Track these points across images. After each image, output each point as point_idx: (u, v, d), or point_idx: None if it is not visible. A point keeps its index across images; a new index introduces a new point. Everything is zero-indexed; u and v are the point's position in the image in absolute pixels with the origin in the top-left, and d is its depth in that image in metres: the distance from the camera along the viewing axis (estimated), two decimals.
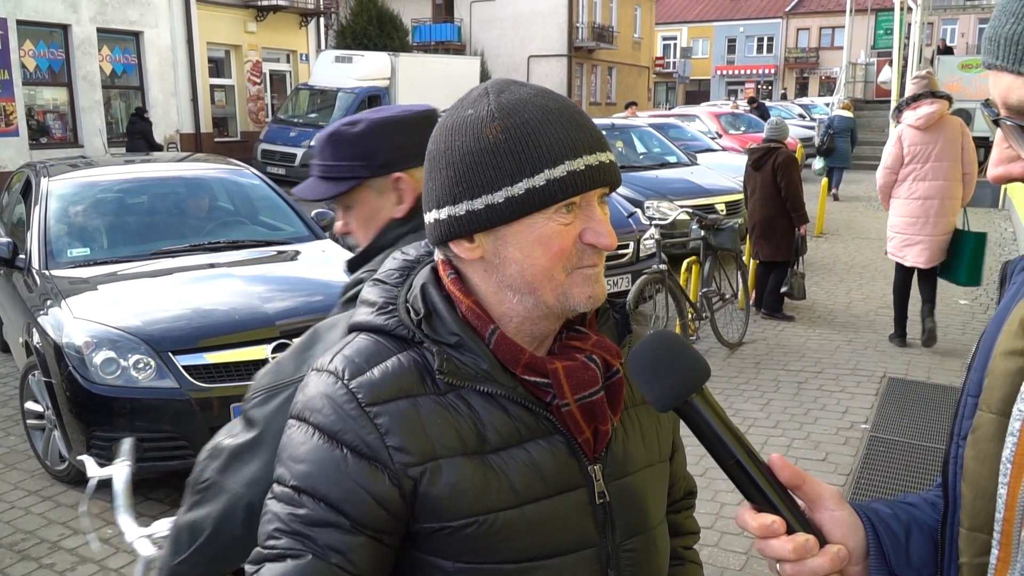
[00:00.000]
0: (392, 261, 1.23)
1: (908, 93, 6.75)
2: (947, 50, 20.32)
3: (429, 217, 1.13)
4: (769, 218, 7.66)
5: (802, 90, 55.76)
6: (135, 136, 17.55)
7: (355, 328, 1.17)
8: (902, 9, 16.67)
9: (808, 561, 0.95)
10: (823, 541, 0.97)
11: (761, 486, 0.98)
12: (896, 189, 6.69)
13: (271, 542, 1.05)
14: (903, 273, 6.96)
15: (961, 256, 6.57)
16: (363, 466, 1.04)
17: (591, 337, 1.17)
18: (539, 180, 1.04)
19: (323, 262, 5.60)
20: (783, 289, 7.87)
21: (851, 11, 24.42)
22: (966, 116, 20.70)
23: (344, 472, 1.04)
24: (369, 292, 1.19)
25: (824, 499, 1.01)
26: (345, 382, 1.07)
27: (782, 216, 7.58)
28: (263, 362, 4.44)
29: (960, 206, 6.63)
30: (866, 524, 1.01)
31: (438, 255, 1.18)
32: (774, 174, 7.56)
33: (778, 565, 0.97)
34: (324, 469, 1.05)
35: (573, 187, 1.05)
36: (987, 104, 0.94)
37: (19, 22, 16.97)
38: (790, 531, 0.96)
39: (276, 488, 1.08)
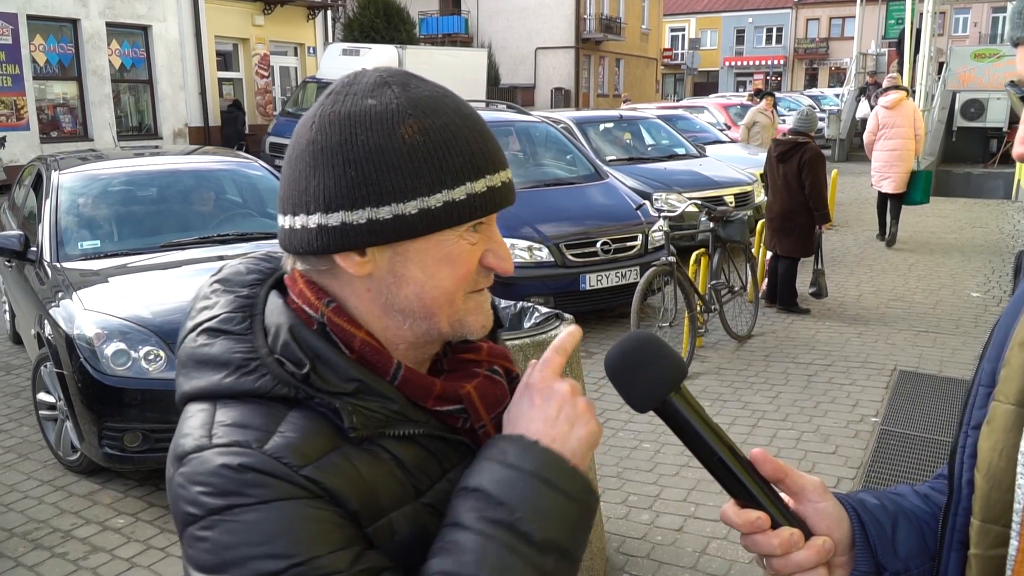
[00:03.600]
0: (223, 299, 1.02)
1: (884, 86, 11.44)
2: (917, 33, 20.45)
3: (308, 221, 0.94)
4: (789, 213, 7.56)
5: (812, 81, 55.51)
6: (229, 125, 19.52)
7: (209, 396, 0.94)
8: None
9: (794, 555, 0.95)
10: (808, 534, 0.97)
11: (744, 482, 0.98)
12: (875, 144, 10.78)
13: None
14: (881, 198, 11.11)
15: (916, 186, 10.78)
16: (322, 503, 0.88)
17: (482, 347, 1.07)
18: (459, 194, 0.93)
19: None
20: (811, 290, 7.90)
21: (862, 1, 24.29)
22: (979, 107, 20.63)
23: (315, 513, 0.87)
24: (210, 349, 0.97)
25: (807, 491, 1.00)
26: (257, 449, 0.88)
27: (803, 212, 7.49)
28: None
29: (914, 156, 10.79)
30: (851, 515, 1.01)
31: (290, 267, 1.01)
32: (799, 170, 7.42)
33: (764, 560, 0.98)
34: (299, 526, 0.86)
35: (492, 204, 0.96)
36: (1013, 84, 0.94)
37: (29, 17, 17.05)
38: (775, 525, 0.96)
39: None
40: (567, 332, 0.99)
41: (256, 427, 0.89)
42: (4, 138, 14.41)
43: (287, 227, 0.97)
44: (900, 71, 17.59)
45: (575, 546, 0.91)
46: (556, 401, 0.93)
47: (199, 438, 0.90)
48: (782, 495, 1.00)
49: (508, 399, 1.01)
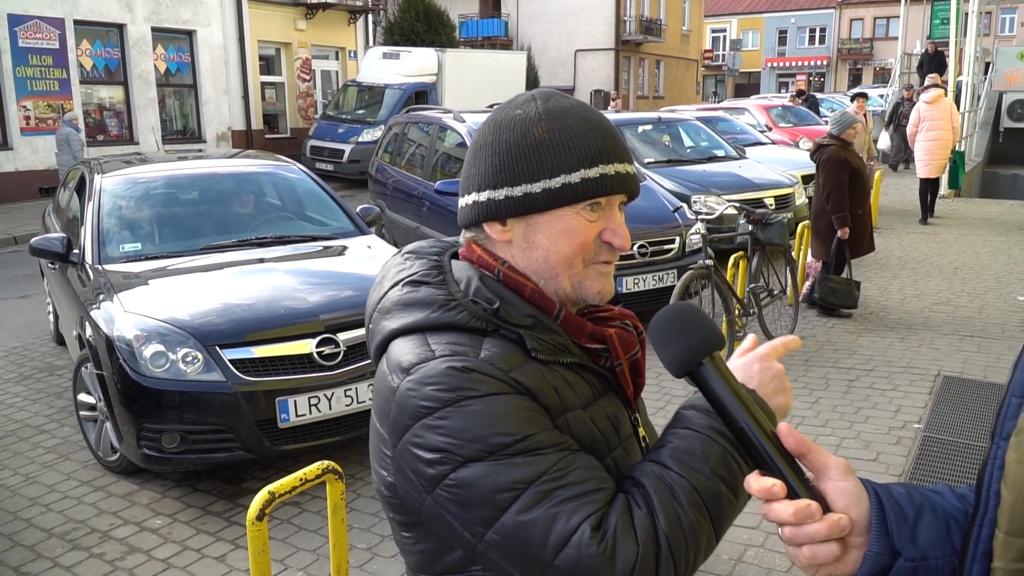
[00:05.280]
0: (418, 263, 1.29)
1: (925, 84, 13.21)
2: (937, 55, 19.88)
3: (468, 199, 1.26)
4: (815, 215, 7.67)
5: (855, 82, 54.64)
6: None
7: (418, 328, 1.19)
8: None
9: (807, 526, 0.97)
10: (826, 509, 0.99)
11: (765, 451, 1.03)
12: (918, 136, 12.41)
13: (566, 501, 1.07)
14: (923, 183, 12.51)
15: (952, 173, 13.38)
16: (527, 399, 1.14)
17: (612, 309, 1.36)
18: (575, 177, 1.18)
19: (368, 257, 5.63)
20: (813, 294, 7.61)
21: (906, 0, 23.88)
22: None
23: (525, 403, 1.13)
24: (416, 294, 1.23)
25: (830, 469, 1.03)
26: (477, 358, 1.14)
27: (823, 215, 7.46)
28: (307, 356, 4.48)
29: (952, 146, 12.62)
30: (872, 497, 1.02)
31: (465, 238, 1.31)
32: (818, 172, 7.48)
33: (779, 529, 1.01)
34: (517, 413, 1.11)
35: (603, 188, 1.20)
36: None
37: (76, 22, 17.37)
38: (793, 497, 0.99)
39: (503, 461, 1.08)
40: (792, 338, 1.29)
41: (466, 345, 1.16)
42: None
43: (461, 206, 1.28)
44: (940, 71, 17.27)
45: None
46: (771, 372, 1.22)
47: (421, 353, 1.15)
48: (806, 471, 1.04)
49: (637, 346, 1.32)
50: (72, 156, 14.09)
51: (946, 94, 12.75)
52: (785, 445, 1.03)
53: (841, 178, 7.31)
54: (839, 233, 7.38)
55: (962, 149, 13.38)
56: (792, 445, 1.03)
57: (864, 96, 13.80)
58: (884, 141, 18.35)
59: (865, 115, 13.04)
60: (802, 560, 0.99)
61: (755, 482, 1.01)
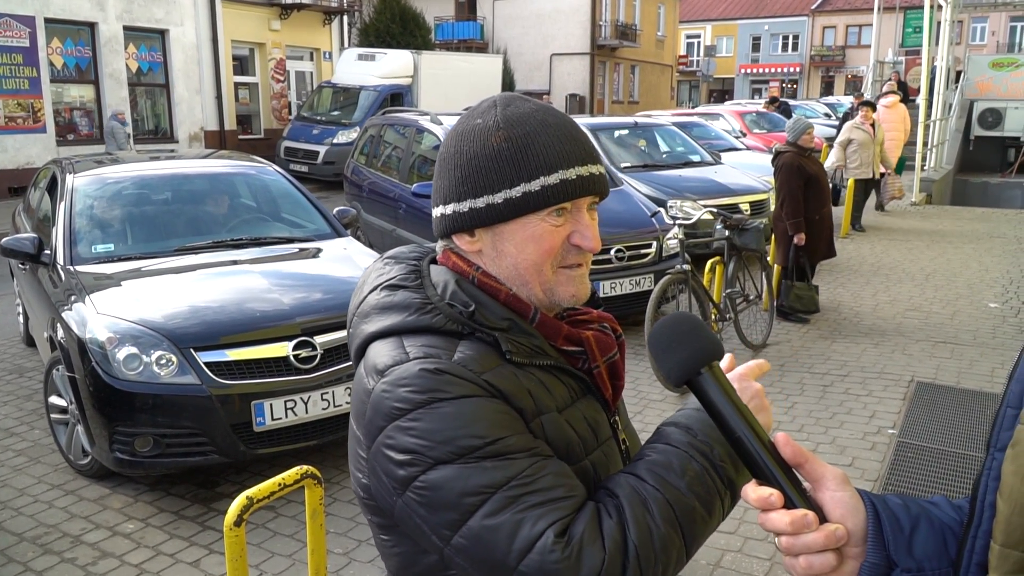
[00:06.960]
0: (396, 267, 1.30)
1: (883, 91, 14.94)
2: (902, 85, 20.36)
3: (436, 212, 1.28)
4: (773, 220, 7.83)
5: (828, 89, 55.27)
6: None
7: (395, 332, 1.20)
8: (932, 7, 16.42)
9: (803, 536, 0.98)
10: (823, 519, 1.00)
11: (762, 460, 1.02)
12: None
13: (537, 509, 1.07)
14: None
15: (899, 164, 14.18)
16: (500, 402, 1.14)
17: (591, 312, 1.35)
18: (535, 185, 1.18)
19: (344, 259, 5.59)
20: (778, 301, 7.68)
21: (879, 9, 24.15)
22: (997, 116, 20.47)
23: (497, 406, 1.13)
24: (393, 298, 1.24)
25: (827, 479, 1.03)
26: (449, 360, 1.14)
27: (781, 220, 7.59)
28: (283, 359, 4.44)
29: (903, 143, 14.07)
30: (868, 507, 1.02)
31: (440, 248, 1.31)
32: (775, 177, 7.62)
33: (776, 539, 1.01)
34: (488, 415, 1.11)
35: (565, 194, 1.19)
36: None
37: (47, 20, 17.14)
38: (791, 506, 1.00)
39: (472, 464, 1.08)
40: (763, 361, 1.31)
41: (440, 347, 1.16)
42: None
43: (433, 218, 1.29)
44: (904, 94, 18.12)
45: (737, 491, 1.18)
46: (751, 392, 1.23)
47: (396, 356, 1.16)
48: (803, 481, 1.04)
49: (615, 349, 1.32)
50: (118, 148, 15.36)
51: (901, 100, 14.51)
52: (782, 455, 1.03)
53: (795, 184, 7.41)
54: (795, 239, 7.48)
55: (914, 157, 15.58)
56: (789, 455, 1.03)
57: (871, 106, 12.51)
58: (831, 159, 15.11)
59: (872, 125, 12.13)
60: (799, 570, 0.99)
61: (752, 491, 1.01)
